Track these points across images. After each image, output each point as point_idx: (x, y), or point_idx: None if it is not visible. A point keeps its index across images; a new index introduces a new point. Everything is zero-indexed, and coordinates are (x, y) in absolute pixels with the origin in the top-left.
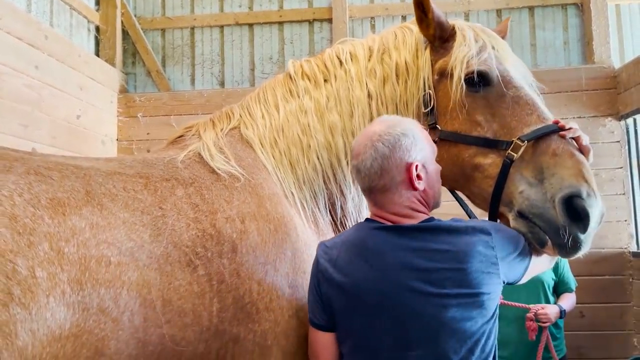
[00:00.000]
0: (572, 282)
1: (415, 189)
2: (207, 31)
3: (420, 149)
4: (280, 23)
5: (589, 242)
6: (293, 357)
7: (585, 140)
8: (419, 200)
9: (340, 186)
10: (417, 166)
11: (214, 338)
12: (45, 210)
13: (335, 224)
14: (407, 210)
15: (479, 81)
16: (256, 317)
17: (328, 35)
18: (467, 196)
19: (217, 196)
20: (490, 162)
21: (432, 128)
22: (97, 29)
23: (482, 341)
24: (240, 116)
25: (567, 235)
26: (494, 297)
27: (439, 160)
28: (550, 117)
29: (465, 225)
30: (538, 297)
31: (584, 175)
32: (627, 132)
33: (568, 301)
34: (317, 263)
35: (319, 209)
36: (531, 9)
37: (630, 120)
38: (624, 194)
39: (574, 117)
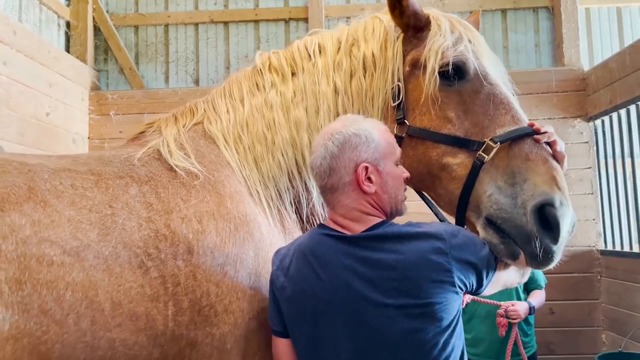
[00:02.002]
0: (542, 279)
1: (363, 191)
2: (182, 29)
3: (374, 150)
4: (256, 22)
5: (561, 252)
6: (252, 359)
7: (561, 146)
8: (370, 204)
9: (305, 184)
10: (366, 168)
11: (170, 343)
12: None
13: (302, 222)
14: (355, 213)
15: (453, 74)
16: (214, 320)
17: (304, 34)
18: (433, 198)
19: (174, 195)
20: (459, 162)
21: (399, 123)
22: (68, 24)
23: (434, 352)
24: (205, 111)
25: (540, 245)
26: (447, 306)
27: (404, 157)
28: (525, 118)
29: (417, 230)
30: (510, 295)
31: (558, 183)
32: (596, 133)
33: (537, 298)
34: (271, 271)
35: (285, 207)
36: (503, 11)
37: (598, 122)
38: (592, 193)
39: (544, 118)
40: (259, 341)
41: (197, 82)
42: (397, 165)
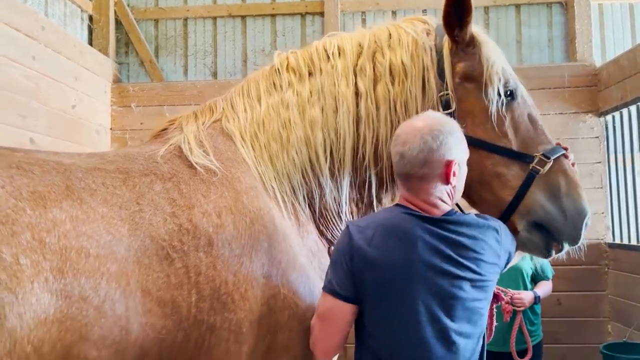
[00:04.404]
0: (549, 271)
1: (448, 183)
2: (200, 22)
3: (460, 151)
4: (273, 15)
5: None
6: (263, 341)
7: (574, 163)
8: (448, 194)
9: (318, 180)
10: (455, 164)
11: (193, 327)
12: (27, 202)
13: (314, 216)
14: (436, 200)
15: (509, 95)
16: (232, 306)
17: (320, 28)
18: (475, 200)
19: (195, 191)
20: (514, 173)
21: None
22: (90, 18)
23: (481, 316)
24: (223, 109)
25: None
26: (493, 284)
27: None
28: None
29: (484, 222)
30: (517, 285)
31: (584, 196)
32: (606, 128)
33: (544, 288)
34: (351, 241)
35: (298, 202)
36: (517, 6)
37: (609, 117)
38: (601, 187)
39: (555, 113)
40: (268, 324)
41: (215, 75)
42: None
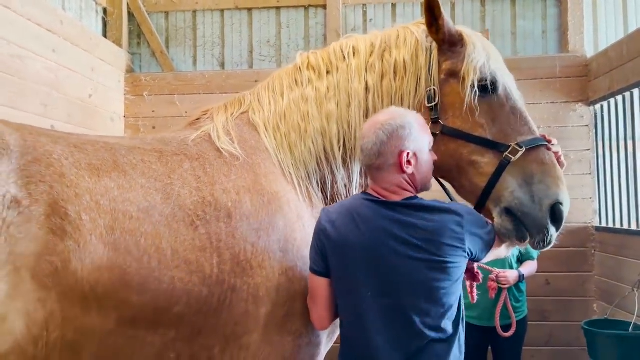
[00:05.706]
0: (534, 251)
1: (403, 172)
2: (209, 14)
3: (414, 140)
4: (278, 8)
5: (555, 237)
6: (282, 308)
7: (561, 156)
8: (407, 181)
9: (331, 167)
10: (407, 154)
11: (216, 285)
12: (85, 172)
13: (326, 199)
14: (394, 187)
15: (487, 88)
16: (250, 272)
17: (322, 20)
18: (456, 187)
19: (217, 171)
20: (487, 161)
21: (434, 122)
22: (105, 11)
23: (443, 297)
24: (250, 102)
25: (547, 233)
26: (457, 266)
27: (436, 151)
28: (537, 130)
29: (443, 206)
30: (503, 264)
31: (564, 184)
32: (595, 117)
33: (529, 268)
34: (319, 223)
35: (312, 187)
36: None
37: (598, 106)
38: (590, 174)
39: (547, 102)
40: (288, 294)
41: (222, 65)
42: (429, 150)
